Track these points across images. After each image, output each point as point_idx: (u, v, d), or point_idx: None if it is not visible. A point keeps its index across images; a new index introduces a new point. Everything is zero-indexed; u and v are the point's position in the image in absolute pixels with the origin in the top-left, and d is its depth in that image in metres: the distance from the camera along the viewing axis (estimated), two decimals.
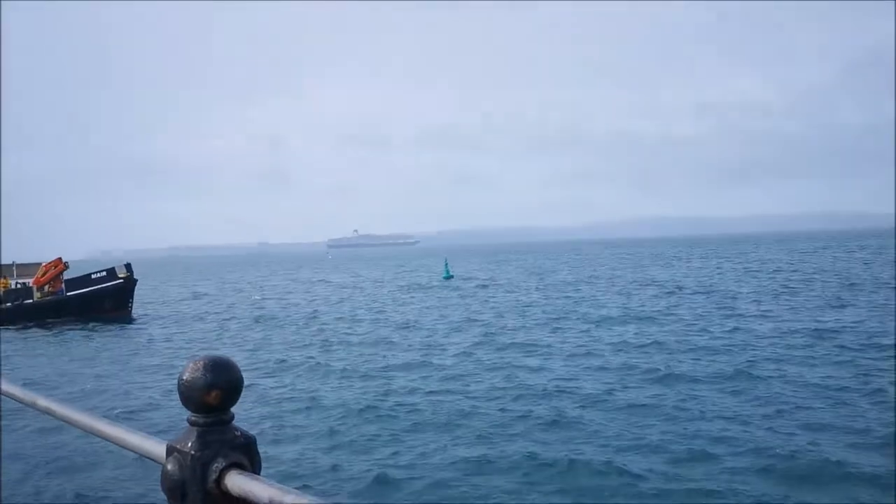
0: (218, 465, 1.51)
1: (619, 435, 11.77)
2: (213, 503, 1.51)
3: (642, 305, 31.62)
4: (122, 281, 37.41)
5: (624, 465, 10.26)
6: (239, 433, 1.56)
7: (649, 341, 20.96)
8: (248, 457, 1.55)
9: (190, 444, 1.53)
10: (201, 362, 1.55)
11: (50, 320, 34.95)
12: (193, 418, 1.55)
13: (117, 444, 1.78)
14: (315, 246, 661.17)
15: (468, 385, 16.11)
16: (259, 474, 1.53)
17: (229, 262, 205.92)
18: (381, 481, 10.03)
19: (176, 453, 1.54)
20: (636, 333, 23.00)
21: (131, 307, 38.25)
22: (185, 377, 1.55)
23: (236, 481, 1.48)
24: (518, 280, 55.89)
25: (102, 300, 36.67)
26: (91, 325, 33.10)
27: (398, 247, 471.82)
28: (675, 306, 30.65)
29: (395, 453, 11.26)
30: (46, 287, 37.04)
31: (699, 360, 18.07)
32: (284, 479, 9.40)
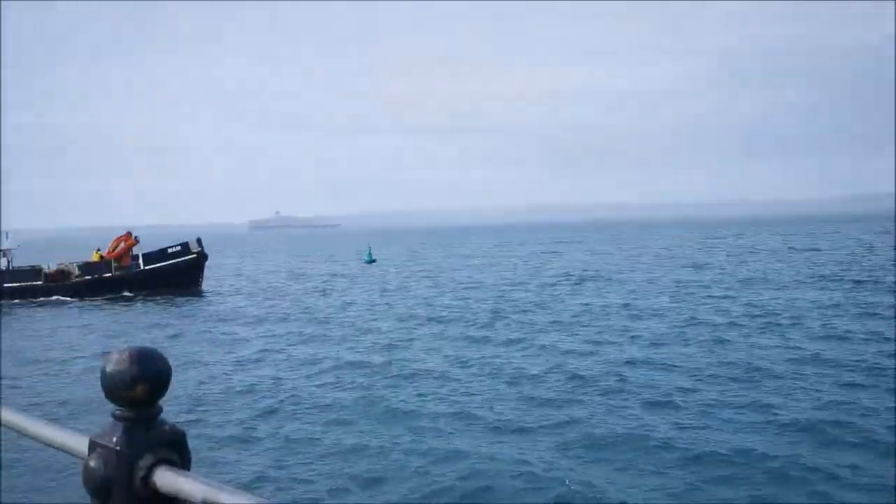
0: (146, 461, 1.43)
1: None
2: (141, 502, 1.42)
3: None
4: (195, 256, 37.17)
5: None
6: (168, 427, 1.48)
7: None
8: (177, 453, 1.48)
9: (115, 440, 1.44)
10: (126, 353, 1.46)
11: (127, 294, 35.04)
12: (118, 412, 1.46)
13: (36, 440, 1.67)
14: (233, 227, 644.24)
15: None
16: (189, 471, 1.46)
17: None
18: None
19: (99, 449, 1.45)
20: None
21: (202, 282, 37.92)
22: (108, 369, 1.45)
23: (166, 478, 1.40)
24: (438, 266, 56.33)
25: (178, 275, 36.26)
26: (163, 300, 33.18)
27: (320, 229, 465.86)
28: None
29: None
30: (114, 262, 36.56)
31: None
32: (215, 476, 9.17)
